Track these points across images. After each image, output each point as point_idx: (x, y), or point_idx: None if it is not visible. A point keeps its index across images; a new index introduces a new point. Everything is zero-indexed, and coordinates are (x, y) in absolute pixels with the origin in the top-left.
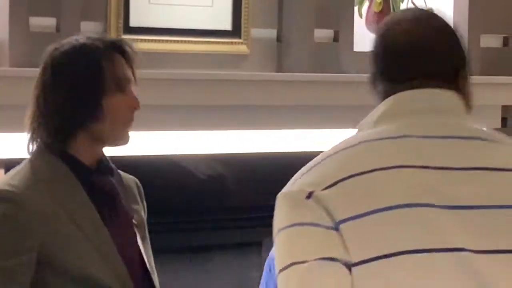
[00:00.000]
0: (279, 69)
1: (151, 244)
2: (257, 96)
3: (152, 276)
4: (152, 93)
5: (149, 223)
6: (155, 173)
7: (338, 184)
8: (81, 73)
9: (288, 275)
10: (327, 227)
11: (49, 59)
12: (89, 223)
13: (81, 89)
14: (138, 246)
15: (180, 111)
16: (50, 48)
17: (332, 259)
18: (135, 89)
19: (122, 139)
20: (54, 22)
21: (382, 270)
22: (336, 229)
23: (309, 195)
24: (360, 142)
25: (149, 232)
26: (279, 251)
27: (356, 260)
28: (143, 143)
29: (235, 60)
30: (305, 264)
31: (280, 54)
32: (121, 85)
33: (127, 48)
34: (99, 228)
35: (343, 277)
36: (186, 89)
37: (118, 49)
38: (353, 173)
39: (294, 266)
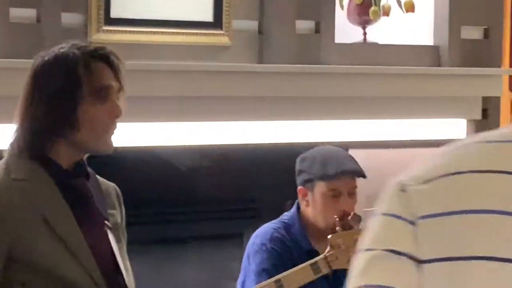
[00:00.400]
0: (261, 60)
1: (133, 235)
2: (238, 87)
3: (125, 275)
4: (133, 85)
5: (130, 215)
6: (136, 164)
7: (437, 180)
8: (57, 82)
9: (357, 259)
10: (407, 221)
11: (33, 68)
12: (62, 222)
13: (56, 98)
14: (110, 246)
15: (161, 102)
16: (37, 55)
17: (399, 252)
18: (120, 96)
19: (103, 147)
20: (34, 13)
21: (450, 271)
22: (415, 223)
23: (405, 187)
24: (498, 141)
25: (131, 223)
26: (364, 235)
27: (426, 258)
28: (123, 134)
29: (217, 51)
30: (372, 252)
31: (261, 45)
32: (100, 94)
33: (111, 56)
34: (71, 227)
35: (404, 271)
36: (167, 80)
37: (100, 57)
38: (456, 171)
39: (364, 252)
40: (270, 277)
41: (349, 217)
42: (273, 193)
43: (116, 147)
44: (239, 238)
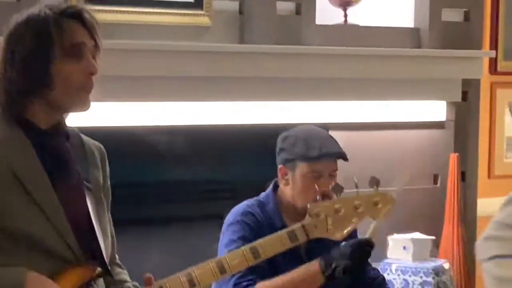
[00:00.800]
0: (241, 41)
1: (118, 215)
2: (218, 67)
3: (101, 238)
4: (113, 64)
5: (117, 196)
6: (113, 144)
7: None
8: (28, 43)
9: None
10: None
11: (7, 31)
12: (35, 182)
13: (29, 58)
14: (86, 208)
15: (140, 82)
16: (11, 18)
17: None
18: (96, 54)
19: (79, 105)
20: None
21: None
22: None
23: None
24: None
25: (117, 204)
26: None
27: None
28: (103, 114)
29: (197, 31)
30: None
31: (242, 26)
32: (74, 52)
33: (85, 14)
34: (45, 188)
35: None
36: (147, 60)
37: (73, 15)
38: None
39: None
40: (235, 248)
41: (331, 187)
42: (252, 174)
43: (92, 127)
44: (218, 219)
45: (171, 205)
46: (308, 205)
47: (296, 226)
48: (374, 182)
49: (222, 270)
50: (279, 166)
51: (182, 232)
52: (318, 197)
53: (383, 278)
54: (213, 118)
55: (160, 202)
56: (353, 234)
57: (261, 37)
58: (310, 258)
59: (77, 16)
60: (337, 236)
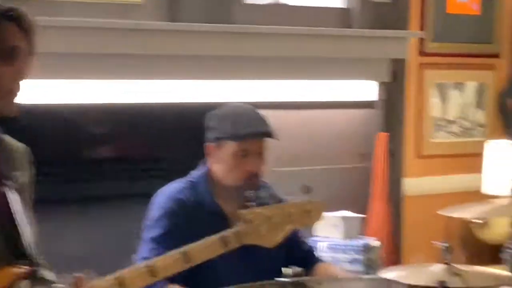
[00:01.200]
0: (172, 19)
1: (44, 194)
2: (148, 45)
3: (24, 236)
4: (45, 41)
5: (42, 173)
6: (42, 122)
7: None
8: None
9: None
10: None
11: None
12: None
13: None
14: (8, 208)
15: (69, 59)
16: None
17: None
18: (29, 58)
19: (6, 110)
20: None
21: None
22: None
23: None
24: None
25: (43, 182)
26: None
27: None
28: (35, 91)
29: (128, 9)
30: None
31: (172, 3)
32: (7, 55)
33: (23, 17)
34: None
35: None
36: (78, 37)
37: (10, 17)
38: None
39: None
40: (159, 234)
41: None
42: (181, 153)
43: (29, 104)
44: (146, 198)
45: (99, 183)
46: (240, 211)
47: (228, 232)
48: (306, 189)
49: (153, 274)
50: (207, 145)
51: (109, 211)
52: (250, 203)
53: (313, 251)
54: (142, 96)
55: (88, 180)
56: (293, 236)
57: (191, 15)
58: (244, 248)
59: (15, 18)
60: (270, 243)
